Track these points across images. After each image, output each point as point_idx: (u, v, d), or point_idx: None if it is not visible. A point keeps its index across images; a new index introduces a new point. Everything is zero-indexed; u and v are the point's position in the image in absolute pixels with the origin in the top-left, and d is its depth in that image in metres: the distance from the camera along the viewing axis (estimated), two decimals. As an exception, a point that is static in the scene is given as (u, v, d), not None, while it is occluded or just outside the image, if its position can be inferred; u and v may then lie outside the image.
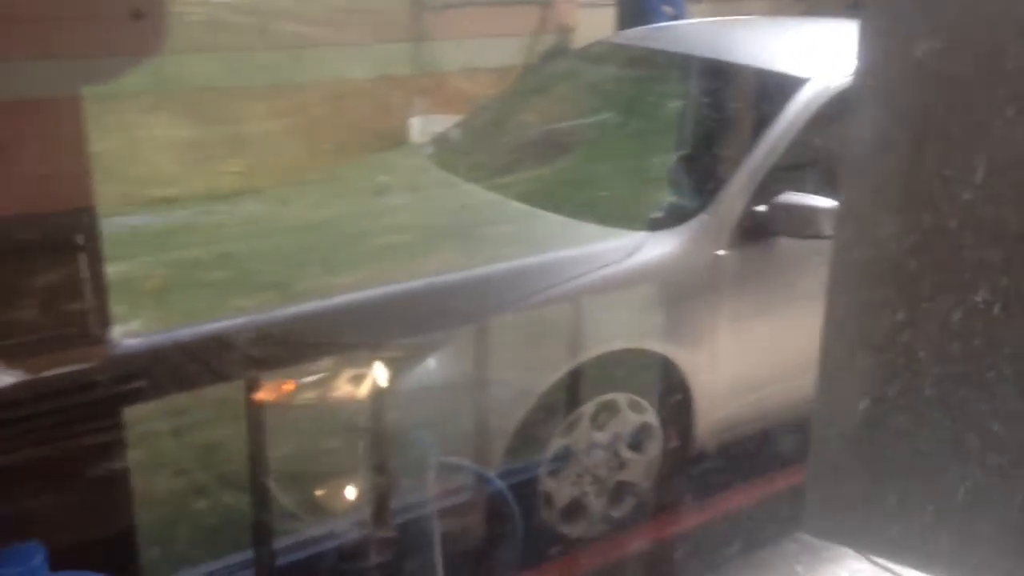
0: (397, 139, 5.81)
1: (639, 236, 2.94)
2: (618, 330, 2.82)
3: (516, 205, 3.23)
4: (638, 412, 2.93)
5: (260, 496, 2.71)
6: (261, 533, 2.53)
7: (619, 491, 3.00)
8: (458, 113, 5.24)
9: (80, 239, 4.10)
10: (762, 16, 4.93)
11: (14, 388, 3.01)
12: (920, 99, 1.28)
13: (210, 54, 5.76)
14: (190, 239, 3.60)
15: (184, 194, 4.87)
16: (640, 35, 4.22)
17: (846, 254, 1.48)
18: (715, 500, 3.18)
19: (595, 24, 5.80)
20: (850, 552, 3.00)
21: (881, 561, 2.76)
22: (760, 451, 3.33)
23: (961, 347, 1.31)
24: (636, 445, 2.97)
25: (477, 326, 2.68)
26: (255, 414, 2.69)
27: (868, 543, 1.66)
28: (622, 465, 2.97)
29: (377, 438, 2.35)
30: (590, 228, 3.04)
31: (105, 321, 3.21)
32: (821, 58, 3.37)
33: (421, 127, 5.66)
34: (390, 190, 3.79)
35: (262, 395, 2.72)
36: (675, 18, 5.75)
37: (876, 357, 1.41)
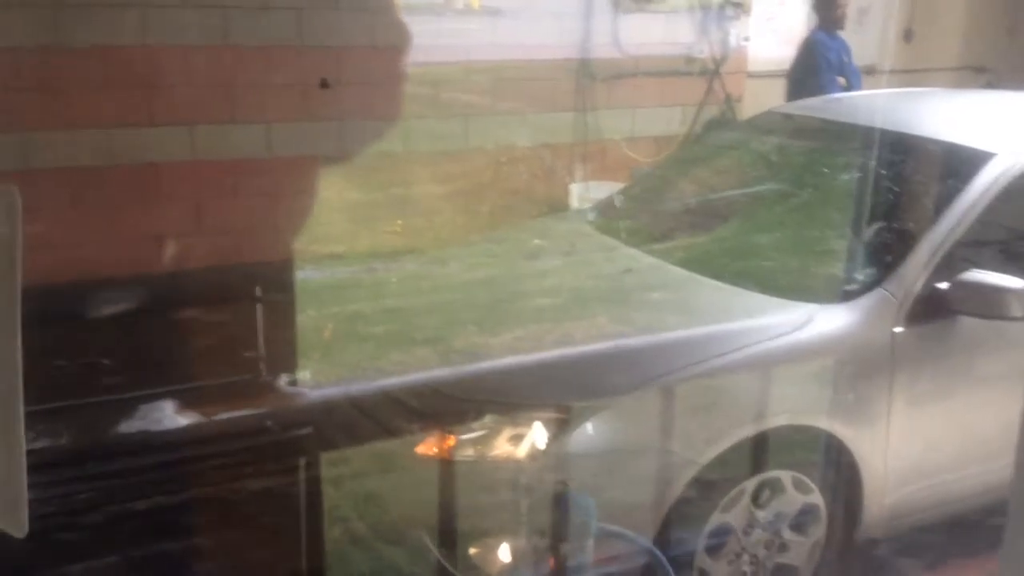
0: (557, 205, 5.91)
1: (810, 308, 2.85)
2: (786, 405, 2.74)
3: (679, 271, 3.21)
4: (803, 492, 2.81)
5: (412, 550, 2.76)
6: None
7: (778, 574, 2.87)
8: (619, 180, 5.28)
9: (260, 291, 4.36)
10: (941, 88, 4.76)
11: (189, 429, 3.20)
12: None
13: (387, 121, 6.07)
14: (354, 294, 3.77)
15: (350, 251, 5.11)
16: (813, 105, 4.16)
17: None
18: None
19: (762, 94, 5.75)
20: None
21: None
22: (932, 542, 3.12)
23: None
24: (799, 527, 2.85)
25: (641, 392, 2.66)
26: (418, 467, 2.76)
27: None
28: (783, 547, 2.84)
29: (534, 499, 2.35)
30: (758, 298, 2.98)
31: (280, 370, 3.39)
32: (1008, 132, 3.23)
33: (581, 193, 5.74)
34: (548, 253, 3.85)
35: (423, 449, 2.79)
36: (848, 89, 5.63)
37: None
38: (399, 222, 6.12)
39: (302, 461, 2.93)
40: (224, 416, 3.19)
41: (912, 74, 7.15)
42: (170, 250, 4.45)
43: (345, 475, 2.98)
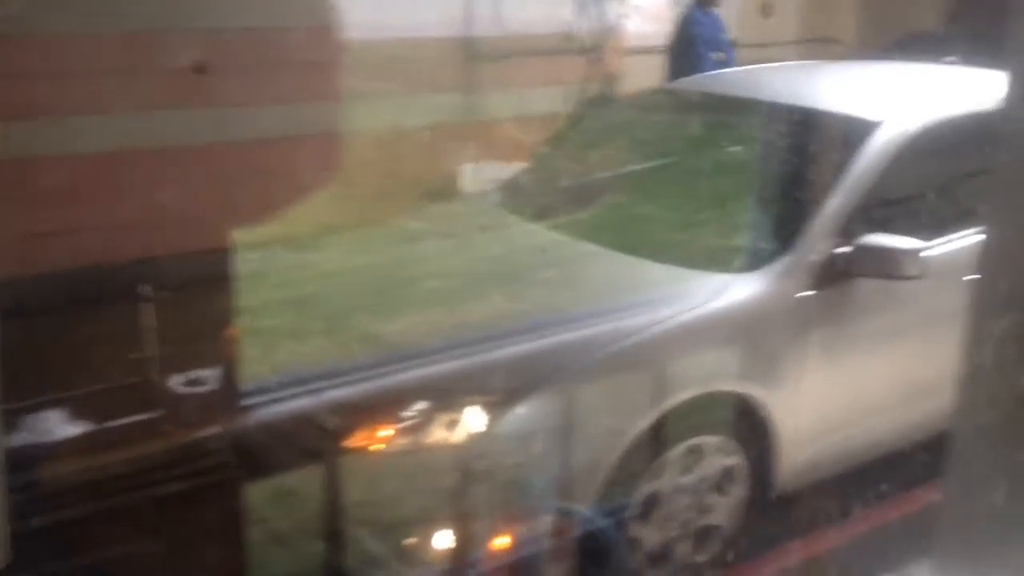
0: (446, 188, 5.87)
1: (722, 278, 2.96)
2: (704, 373, 2.83)
3: (595, 248, 3.26)
4: (724, 455, 2.93)
5: (341, 545, 2.72)
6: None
7: (704, 535, 2.98)
8: (510, 161, 5.30)
9: (144, 290, 4.15)
10: (811, 60, 5.00)
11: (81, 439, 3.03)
12: None
13: (256, 107, 5.87)
14: (234, 288, 3.63)
15: (223, 243, 4.93)
16: (699, 81, 4.29)
17: (993, 273, 1.45)
18: (797, 543, 3.15)
19: (641, 72, 5.89)
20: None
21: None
22: (843, 492, 3.31)
23: None
24: (721, 488, 2.96)
25: (568, 372, 2.69)
26: (344, 461, 2.71)
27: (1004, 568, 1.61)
28: (707, 509, 2.95)
29: (475, 483, 2.36)
30: (673, 271, 3.06)
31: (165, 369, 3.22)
32: (891, 101, 3.42)
33: (472, 175, 5.73)
34: (448, 237, 3.84)
35: (352, 442, 2.74)
36: (724, 64, 5.83)
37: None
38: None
39: (217, 464, 2.83)
40: (118, 422, 3.04)
41: (771, 47, 7.46)
42: (41, 249, 4.19)
43: (267, 475, 2.90)
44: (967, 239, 3.15)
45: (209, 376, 3.05)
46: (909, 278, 2.89)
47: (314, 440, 2.78)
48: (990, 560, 1.54)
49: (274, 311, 3.33)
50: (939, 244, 3.16)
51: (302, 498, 2.76)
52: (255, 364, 3.02)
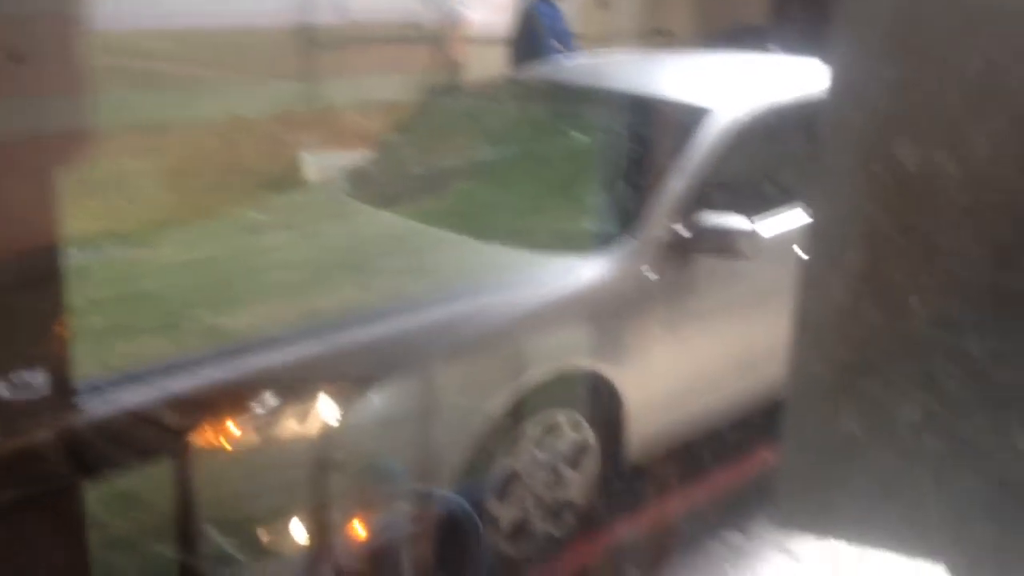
0: (288, 177, 5.73)
1: (572, 261, 3.03)
2: (557, 352, 2.89)
3: (444, 234, 3.27)
4: (577, 430, 3.01)
5: (192, 545, 2.62)
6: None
7: (560, 509, 3.06)
8: (352, 150, 5.22)
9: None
10: (646, 50, 5.18)
11: None
12: (884, 114, 1.39)
13: (83, 95, 5.54)
14: (55, 286, 3.41)
15: (43, 239, 4.64)
16: (542, 70, 4.37)
17: (818, 250, 1.54)
18: (647, 511, 3.29)
19: (485, 60, 5.93)
20: (773, 549, 3.18)
21: (806, 554, 2.89)
22: (686, 461, 3.47)
23: (932, 327, 1.41)
24: (575, 462, 3.04)
25: (422, 357, 2.69)
26: (190, 458, 2.61)
27: (839, 527, 1.72)
28: (562, 483, 3.03)
29: (331, 473, 2.32)
30: (523, 255, 3.11)
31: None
32: (720, 89, 3.60)
33: (314, 164, 5.61)
34: (291, 227, 3.75)
35: (199, 439, 2.64)
36: (566, 55, 5.94)
37: (848, 348, 1.50)
38: (98, 203, 5.64)
39: (50, 469, 2.66)
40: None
41: (609, 39, 7.69)
42: None
43: (106, 476, 2.75)
44: (796, 219, 3.36)
45: (36, 378, 2.86)
46: (744, 256, 3.05)
47: (156, 438, 2.66)
48: (823, 516, 1.66)
49: (106, 308, 3.16)
50: (770, 224, 3.35)
51: (146, 500, 2.64)
52: (87, 364, 2.86)
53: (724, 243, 3.06)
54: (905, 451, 1.50)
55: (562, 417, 2.94)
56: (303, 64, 5.87)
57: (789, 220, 3.40)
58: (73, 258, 4.08)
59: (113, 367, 2.84)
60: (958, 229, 1.35)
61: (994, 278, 1.32)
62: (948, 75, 1.30)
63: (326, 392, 2.59)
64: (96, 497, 2.72)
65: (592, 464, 3.08)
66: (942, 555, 1.53)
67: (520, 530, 2.95)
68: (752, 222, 3.10)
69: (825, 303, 1.52)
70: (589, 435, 3.03)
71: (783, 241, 3.21)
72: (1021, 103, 1.26)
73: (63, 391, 2.75)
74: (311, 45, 5.88)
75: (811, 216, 1.53)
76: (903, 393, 1.45)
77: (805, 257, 1.54)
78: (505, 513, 2.88)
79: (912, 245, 1.40)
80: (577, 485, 3.07)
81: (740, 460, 3.49)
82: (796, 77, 3.74)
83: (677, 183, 3.20)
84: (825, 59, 1.42)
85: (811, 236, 1.53)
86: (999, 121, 1.27)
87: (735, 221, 3.06)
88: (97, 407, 2.66)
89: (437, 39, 6.30)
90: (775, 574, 2.99)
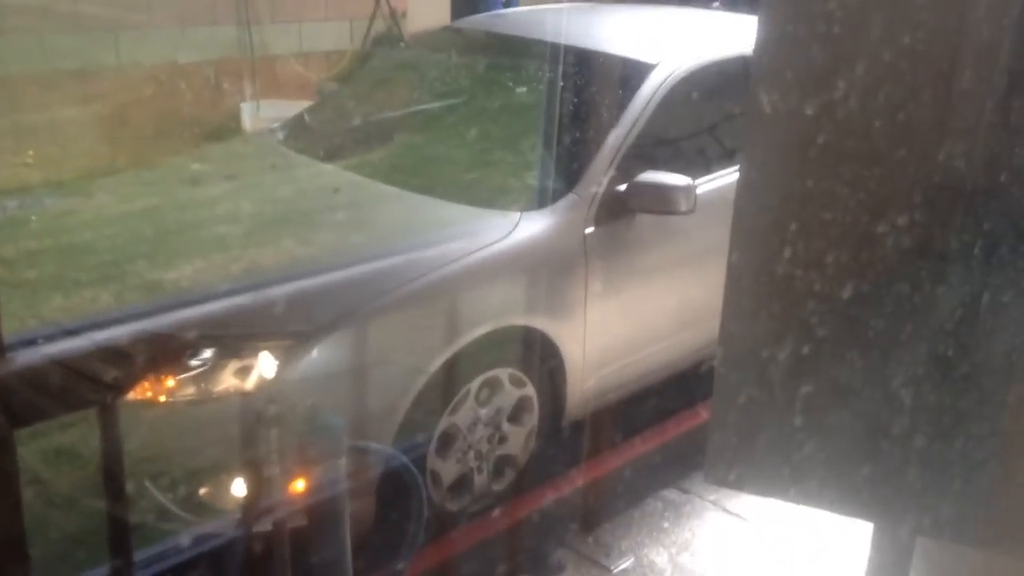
0: (227, 126, 5.62)
1: (512, 216, 3.03)
2: (498, 308, 2.90)
3: (385, 188, 3.24)
4: (518, 386, 3.03)
5: (130, 501, 2.60)
6: (124, 538, 2.42)
7: (500, 464, 3.09)
8: (292, 98, 5.13)
9: None
10: (591, 2, 5.15)
11: None
12: (855, 61, 1.40)
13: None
14: None
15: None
16: (485, 21, 4.31)
17: (746, 210, 1.56)
18: (587, 467, 3.34)
19: (427, 9, 5.82)
20: (708, 506, 3.26)
21: (741, 510, 2.97)
22: (625, 417, 3.53)
23: (856, 290, 1.45)
24: (515, 418, 3.08)
25: (362, 312, 2.68)
26: (126, 413, 2.58)
27: (771, 486, 1.76)
28: (503, 439, 3.06)
29: (272, 428, 2.31)
30: (464, 210, 3.10)
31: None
32: (666, 44, 3.59)
33: (253, 113, 5.50)
34: (235, 177, 3.68)
35: (136, 394, 2.61)
36: (507, 4, 5.88)
37: (776, 307, 1.54)
38: (30, 152, 5.48)
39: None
40: None
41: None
42: None
43: (40, 434, 2.71)
44: (733, 176, 3.39)
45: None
46: (682, 212, 3.07)
47: (90, 391, 2.62)
48: (752, 473, 1.70)
49: (42, 260, 3.09)
50: (708, 180, 3.38)
51: (82, 455, 2.61)
52: (16, 319, 2.79)
53: (662, 199, 3.08)
54: (832, 407, 1.55)
55: (502, 373, 2.96)
56: (241, 9, 5.71)
57: (729, 176, 3.43)
58: (6, 209, 3.97)
59: (49, 320, 2.79)
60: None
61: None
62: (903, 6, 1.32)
63: (264, 346, 2.58)
64: (31, 452, 2.69)
65: (532, 420, 3.12)
66: (868, 510, 1.58)
67: (461, 485, 2.98)
68: (692, 178, 3.12)
69: (752, 259, 1.54)
70: (530, 391, 3.06)
71: (723, 197, 3.24)
72: (934, 60, 1.29)
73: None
74: (249, -10, 5.72)
75: (740, 173, 1.55)
76: (829, 349, 1.49)
77: (733, 215, 1.55)
78: (446, 468, 2.90)
79: (829, 199, 1.43)
80: (517, 441, 3.10)
81: (680, 416, 3.57)
82: (738, 34, 3.75)
83: (618, 139, 3.20)
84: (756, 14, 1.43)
85: (739, 194, 1.55)
86: (903, 78, 1.30)
87: (673, 177, 3.08)
88: (28, 358, 2.61)
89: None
90: (713, 531, 3.07)
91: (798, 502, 1.69)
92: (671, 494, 3.25)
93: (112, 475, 2.61)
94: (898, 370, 1.42)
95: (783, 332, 1.53)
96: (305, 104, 4.17)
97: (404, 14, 6.26)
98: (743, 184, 1.56)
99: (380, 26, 6.19)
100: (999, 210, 1.29)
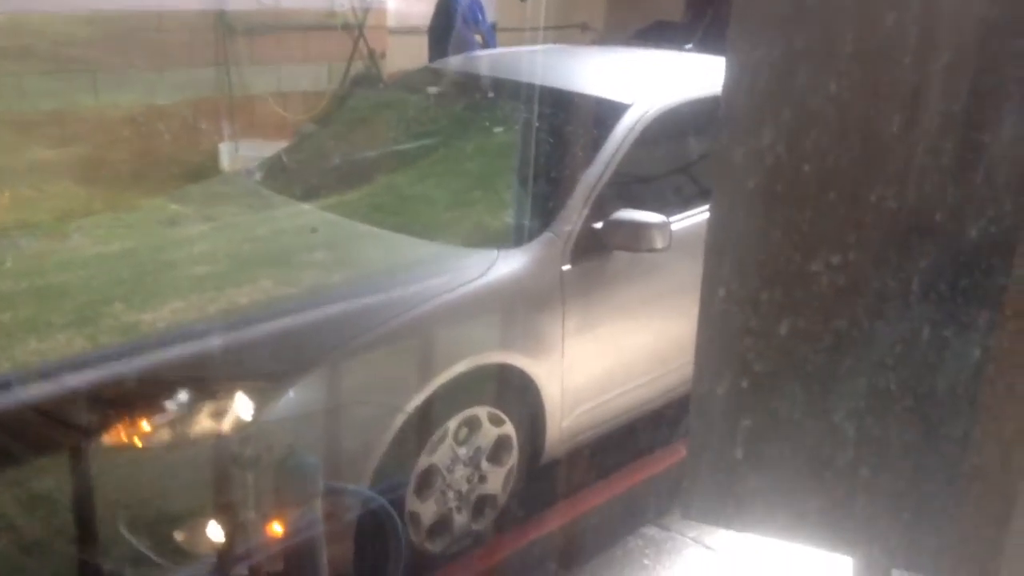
0: (205, 167, 5.62)
1: (489, 255, 3.05)
2: (476, 346, 2.90)
3: (362, 227, 3.25)
4: (497, 425, 3.03)
5: (105, 546, 2.57)
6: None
7: (480, 504, 3.08)
8: (270, 139, 5.15)
9: None
10: (567, 45, 5.23)
11: None
12: (781, 108, 1.44)
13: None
14: None
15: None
16: (463, 62, 4.36)
17: (718, 252, 1.59)
18: (567, 505, 3.33)
19: (405, 50, 5.89)
20: (689, 542, 3.25)
21: (721, 545, 2.97)
22: (603, 454, 3.53)
23: (792, 327, 1.47)
24: (495, 457, 3.07)
25: (340, 352, 2.68)
26: (100, 457, 2.55)
27: (746, 520, 1.77)
28: (482, 478, 3.05)
29: (248, 470, 2.29)
30: (442, 248, 3.12)
31: None
32: (639, 85, 3.65)
33: (231, 153, 5.52)
34: (212, 218, 3.68)
35: (110, 439, 2.58)
36: (485, 47, 5.95)
37: (714, 344, 1.56)
38: (6, 193, 5.46)
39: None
40: None
41: (528, 32, 7.71)
42: None
43: (15, 481, 2.68)
44: (706, 213, 3.42)
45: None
46: (658, 250, 3.10)
47: (64, 436, 2.60)
48: (728, 509, 1.71)
49: (17, 303, 3.06)
50: (684, 217, 3.42)
51: (57, 500, 2.57)
52: (-4, 360, 2.77)
53: (638, 236, 3.11)
54: (801, 443, 1.56)
55: (481, 411, 2.96)
56: (220, 51, 5.74)
57: (702, 215, 3.47)
58: (-25, 251, 3.92)
59: (23, 363, 2.76)
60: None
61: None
62: (828, 57, 1.36)
63: (240, 387, 2.56)
64: (5, 499, 2.65)
65: (512, 458, 3.11)
66: (848, 544, 1.59)
67: (440, 526, 2.96)
68: (666, 216, 3.16)
69: (725, 301, 1.56)
70: (508, 429, 3.06)
71: (698, 234, 3.27)
72: (860, 107, 1.33)
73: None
74: (228, 32, 5.75)
75: (711, 212, 1.58)
76: (768, 384, 1.51)
77: (706, 254, 1.58)
78: (425, 509, 2.89)
79: (761, 240, 1.46)
80: (497, 480, 3.09)
81: (659, 453, 3.56)
82: (709, 74, 3.82)
83: (593, 177, 3.23)
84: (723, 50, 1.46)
85: (711, 232, 1.57)
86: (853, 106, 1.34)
87: (648, 215, 3.12)
88: (1, 402, 2.59)
89: (356, 28, 6.23)
90: (692, 567, 3.06)
91: (776, 537, 1.70)
92: (651, 531, 3.23)
93: (87, 521, 2.58)
94: (839, 403, 1.45)
95: (721, 368, 1.55)
96: (283, 144, 4.18)
97: (383, 55, 6.33)
98: (713, 221, 1.59)
99: (359, 67, 6.25)
100: (935, 249, 1.33)
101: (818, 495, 1.58)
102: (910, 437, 1.40)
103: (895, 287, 1.35)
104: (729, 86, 1.41)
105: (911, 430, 1.40)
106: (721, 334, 1.52)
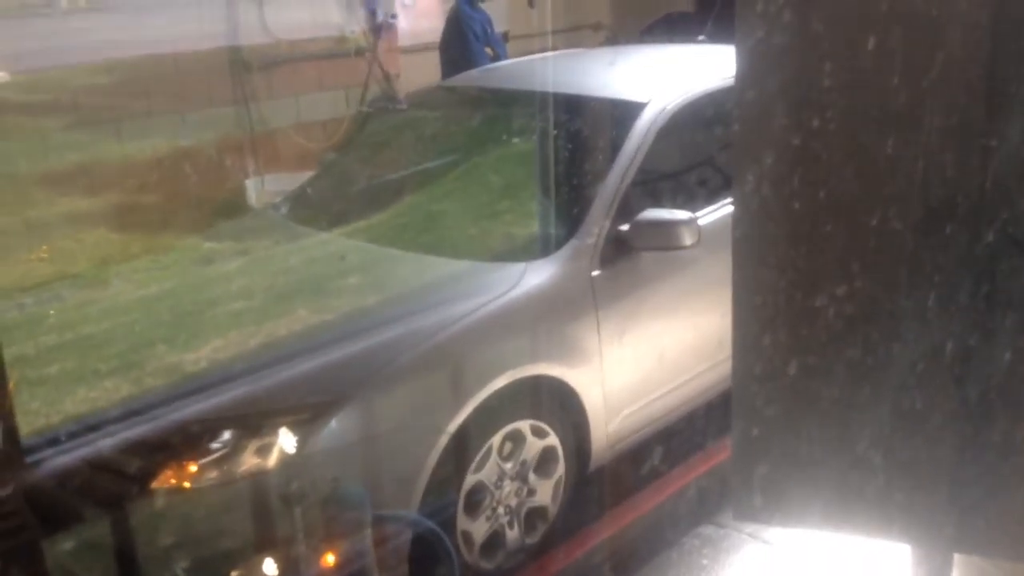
0: (234, 204, 5.68)
1: (519, 267, 3.04)
2: (513, 360, 2.89)
3: (391, 252, 3.26)
4: (540, 437, 3.01)
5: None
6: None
7: (532, 518, 3.06)
8: (295, 170, 5.19)
9: None
10: (575, 48, 5.21)
11: None
12: (799, 102, 1.41)
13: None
14: (6, 337, 3.36)
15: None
16: (475, 77, 4.37)
17: (746, 244, 1.55)
18: (618, 511, 3.30)
19: (418, 68, 5.91)
20: (747, 538, 3.21)
21: (783, 541, 2.92)
22: (651, 457, 3.50)
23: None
24: (542, 469, 3.05)
25: (378, 378, 2.68)
26: (151, 503, 2.58)
27: (797, 516, 1.74)
28: (531, 491, 3.04)
29: (299, 505, 2.31)
30: (471, 265, 3.12)
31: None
32: (653, 83, 3.62)
33: (258, 188, 5.57)
34: (245, 255, 3.72)
35: (159, 483, 2.61)
36: (496, 58, 5.96)
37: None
38: (44, 247, 5.56)
39: (10, 528, 2.62)
40: None
41: (539, 37, 7.69)
42: None
43: (68, 529, 2.71)
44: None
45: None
46: (687, 247, 3.07)
47: (115, 486, 2.63)
48: (780, 503, 1.68)
49: (56, 355, 3.11)
50: (710, 211, 3.39)
51: (110, 549, 2.61)
52: (40, 416, 2.82)
53: (665, 236, 3.09)
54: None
55: (523, 425, 2.95)
56: (237, 88, 5.81)
57: (730, 206, 3.43)
58: (24, 306, 4.01)
59: (73, 414, 2.81)
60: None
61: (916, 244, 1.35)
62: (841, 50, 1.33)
63: (283, 422, 2.58)
64: (63, 551, 2.68)
65: (559, 469, 3.09)
66: (903, 533, 1.56)
67: (493, 542, 2.95)
68: (692, 211, 3.13)
69: (756, 286, 1.53)
70: (553, 440, 3.04)
71: (726, 225, 3.23)
72: (851, 137, 1.29)
73: (13, 448, 2.69)
74: (240, 68, 5.82)
75: (735, 202, 1.54)
76: (835, 373, 1.48)
77: (733, 245, 1.55)
78: (476, 527, 2.88)
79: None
80: (546, 492, 3.07)
81: (709, 450, 3.53)
82: (724, 65, 3.78)
83: (615, 180, 3.22)
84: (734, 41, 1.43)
85: (736, 222, 1.55)
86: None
87: (674, 213, 3.09)
88: (54, 459, 2.63)
89: (368, 52, 6.27)
90: (751, 563, 3.02)
91: (831, 531, 1.67)
92: (707, 530, 3.20)
93: (143, 568, 2.61)
94: (862, 434, 1.41)
95: (792, 357, 1.52)
96: (307, 175, 4.22)
97: (398, 75, 6.35)
98: (738, 215, 1.56)
99: (375, 90, 6.28)
100: (948, 261, 1.29)
101: (869, 485, 1.54)
102: (943, 454, 1.37)
103: (908, 307, 1.32)
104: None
105: (942, 446, 1.36)
106: (758, 319, 1.48)
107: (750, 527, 3.16)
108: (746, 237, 1.39)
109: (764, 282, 1.41)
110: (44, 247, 5.52)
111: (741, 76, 1.37)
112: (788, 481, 1.62)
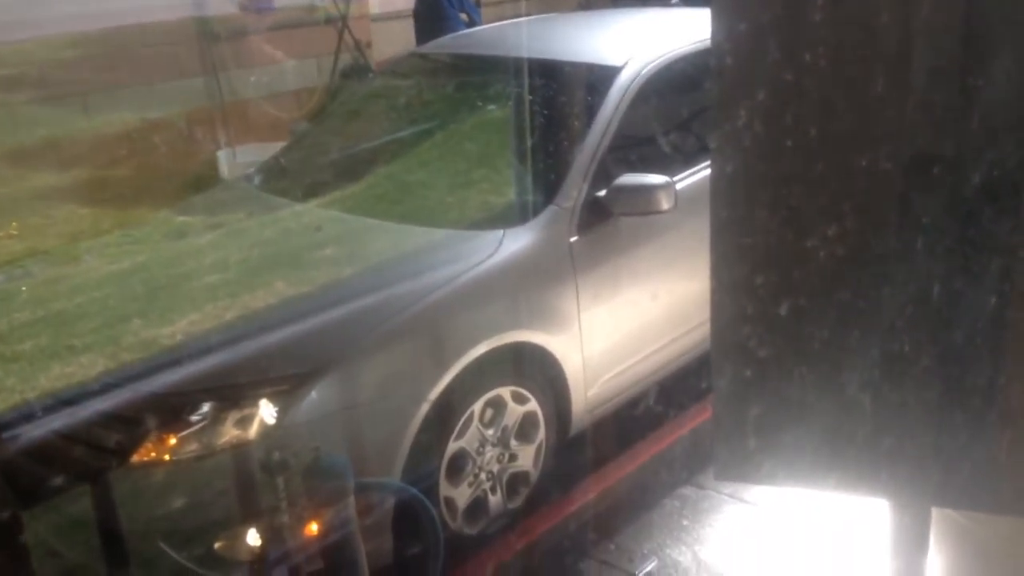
0: (205, 176, 5.62)
1: (496, 234, 3.03)
2: (492, 327, 2.89)
3: (367, 221, 3.24)
4: (521, 403, 3.02)
5: (147, 563, 2.59)
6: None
7: (514, 483, 3.08)
8: (267, 140, 5.13)
9: None
10: (549, 13, 5.16)
11: None
12: (777, 73, 1.40)
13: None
14: None
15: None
16: (448, 44, 4.32)
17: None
18: (599, 475, 3.33)
19: (391, 37, 5.85)
20: (726, 499, 3.25)
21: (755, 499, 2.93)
22: (629, 421, 3.52)
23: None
24: (523, 435, 3.06)
25: (357, 348, 2.67)
26: (131, 476, 2.57)
27: (776, 475, 1.75)
28: (513, 457, 3.05)
29: (280, 475, 2.30)
30: (448, 233, 3.10)
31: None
32: (628, 46, 3.60)
33: (229, 160, 5.50)
34: (216, 228, 3.68)
35: (139, 456, 2.60)
36: (471, 25, 5.89)
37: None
38: (13, 224, 5.48)
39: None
40: None
41: (513, 2, 7.63)
42: None
43: (52, 507, 2.70)
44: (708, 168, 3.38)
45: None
46: (664, 211, 3.07)
47: (94, 460, 2.61)
48: (761, 462, 1.69)
49: (30, 332, 3.08)
50: (688, 175, 3.38)
51: (92, 524, 2.59)
52: (14, 393, 2.79)
53: (643, 200, 3.08)
54: (836, 374, 1.53)
55: (504, 391, 2.95)
56: (205, 59, 5.72)
57: (705, 169, 3.44)
58: (-4, 283, 3.94)
59: (47, 391, 2.78)
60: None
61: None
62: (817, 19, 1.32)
63: (263, 393, 2.57)
64: (45, 526, 2.67)
65: (540, 434, 3.10)
66: (887, 485, 1.58)
67: (476, 508, 2.97)
68: (669, 175, 3.12)
69: (747, 226, 1.53)
70: (533, 406, 3.05)
71: (703, 189, 3.24)
72: (841, 73, 1.29)
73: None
74: (213, 38, 5.72)
75: (712, 165, 1.54)
76: (827, 315, 1.48)
77: (710, 207, 1.54)
78: (458, 493, 2.89)
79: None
80: (527, 457, 3.09)
81: (688, 412, 3.55)
82: (700, 28, 3.77)
83: (592, 145, 3.20)
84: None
85: (713, 185, 1.54)
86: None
87: (652, 177, 3.08)
88: (25, 435, 2.61)
89: (339, 20, 6.18)
90: (731, 523, 3.05)
91: (811, 488, 1.68)
92: (687, 491, 3.23)
93: (126, 540, 2.60)
94: (852, 377, 1.42)
95: (721, 359, 1.52)
96: (280, 145, 4.17)
97: (369, 44, 6.28)
98: (716, 176, 1.55)
99: (346, 59, 6.21)
100: (936, 204, 1.29)
101: (850, 441, 1.55)
102: (929, 396, 1.38)
103: (897, 249, 1.32)
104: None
105: (930, 389, 1.38)
106: (716, 322, 1.49)
107: (730, 488, 3.19)
108: (736, 174, 1.38)
109: (756, 222, 1.40)
110: (13, 223, 5.44)
111: (734, 5, 1.35)
112: (780, 425, 1.62)
